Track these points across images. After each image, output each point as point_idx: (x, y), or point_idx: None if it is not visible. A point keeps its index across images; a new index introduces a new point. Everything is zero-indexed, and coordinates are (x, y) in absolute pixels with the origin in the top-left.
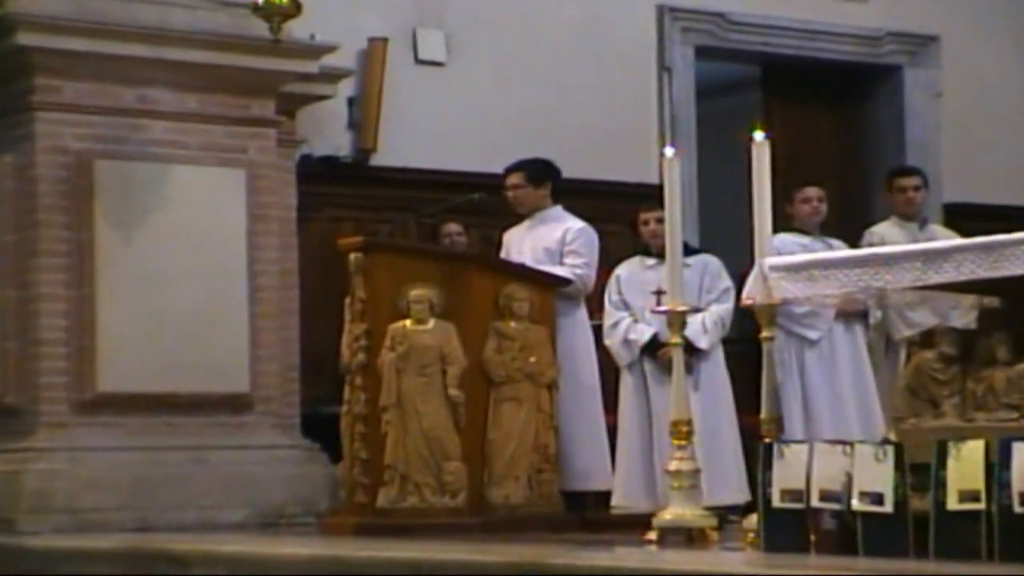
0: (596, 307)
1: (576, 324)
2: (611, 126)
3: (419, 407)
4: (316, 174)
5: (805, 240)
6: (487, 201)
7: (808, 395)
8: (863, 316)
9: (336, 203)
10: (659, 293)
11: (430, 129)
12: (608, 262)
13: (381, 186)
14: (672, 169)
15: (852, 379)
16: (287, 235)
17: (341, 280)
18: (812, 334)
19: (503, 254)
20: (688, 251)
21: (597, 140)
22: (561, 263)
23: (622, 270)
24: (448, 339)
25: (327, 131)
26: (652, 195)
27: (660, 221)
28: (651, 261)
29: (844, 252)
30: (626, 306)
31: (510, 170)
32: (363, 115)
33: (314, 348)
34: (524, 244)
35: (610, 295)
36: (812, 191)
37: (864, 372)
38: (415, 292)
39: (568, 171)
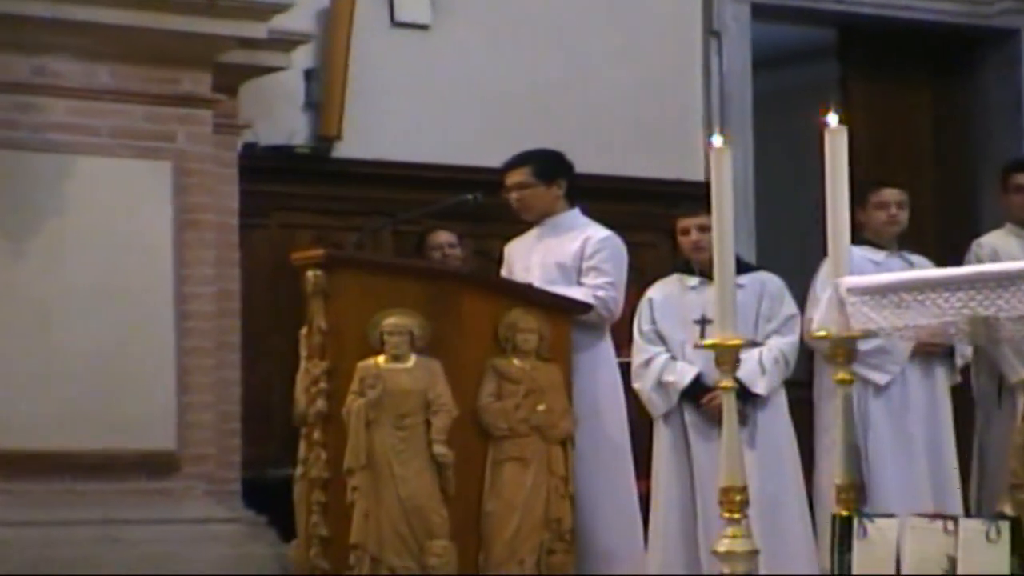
0: (624, 340)
1: (598, 362)
2: (643, 107)
3: (396, 469)
4: (264, 168)
5: (879, 256)
6: (484, 204)
7: (871, 453)
8: (947, 355)
9: (290, 206)
10: (704, 322)
11: (411, 111)
12: (639, 282)
13: (348, 184)
14: (721, 163)
15: (927, 436)
16: (226, 247)
17: (296, 305)
18: (880, 377)
19: (504, 272)
20: (742, 268)
21: (625, 126)
22: (579, 283)
23: (657, 292)
24: (433, 381)
25: (278, 113)
26: (696, 196)
27: (705, 229)
28: (694, 281)
29: (944, 271)
30: (662, 339)
31: (513, 164)
32: (325, 93)
33: (260, 393)
34: (532, 259)
35: (641, 324)
36: (890, 194)
37: (943, 428)
38: (391, 321)
39: (586, 165)
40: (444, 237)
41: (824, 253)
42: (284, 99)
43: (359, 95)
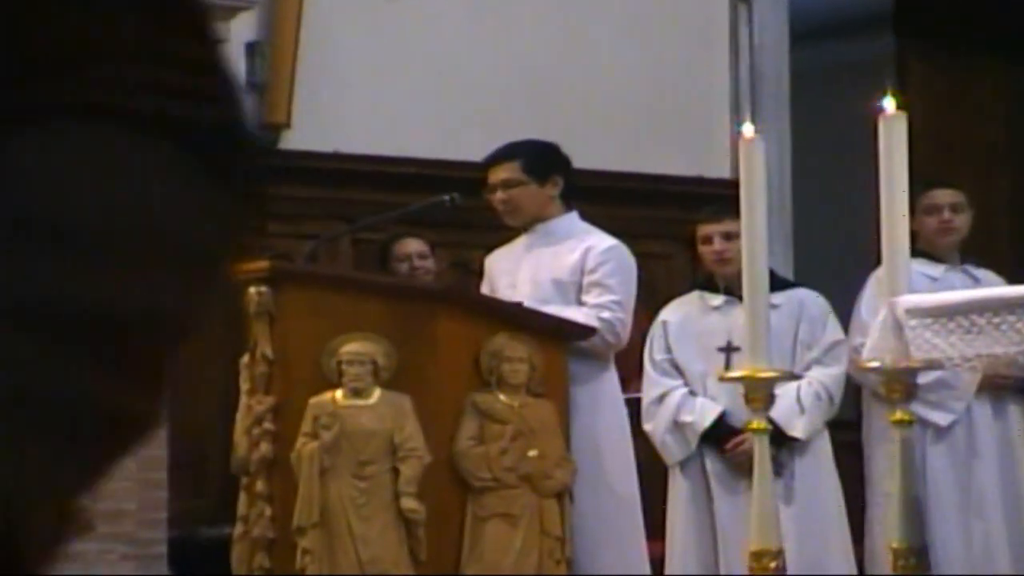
0: (632, 372)
1: (601, 398)
2: (656, 90)
3: (356, 527)
4: None
5: (936, 270)
6: (463, 207)
7: (933, 509)
8: (1021, 390)
9: None
10: (730, 350)
11: (375, 95)
12: (651, 301)
13: (298, 182)
14: (752, 156)
15: (1000, 487)
16: None
17: (235, 329)
18: (941, 417)
19: (486, 288)
20: (777, 284)
21: (634, 112)
22: (578, 302)
23: (673, 314)
24: (401, 421)
25: None
26: (720, 197)
27: (732, 237)
28: (717, 299)
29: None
30: (678, 370)
31: (498, 158)
32: (270, 71)
33: (191, 435)
34: (520, 273)
35: (653, 353)
36: (941, 195)
37: (1019, 477)
38: (351, 348)
39: (587, 160)
40: (414, 247)
41: (874, 265)
42: None
43: (312, 74)
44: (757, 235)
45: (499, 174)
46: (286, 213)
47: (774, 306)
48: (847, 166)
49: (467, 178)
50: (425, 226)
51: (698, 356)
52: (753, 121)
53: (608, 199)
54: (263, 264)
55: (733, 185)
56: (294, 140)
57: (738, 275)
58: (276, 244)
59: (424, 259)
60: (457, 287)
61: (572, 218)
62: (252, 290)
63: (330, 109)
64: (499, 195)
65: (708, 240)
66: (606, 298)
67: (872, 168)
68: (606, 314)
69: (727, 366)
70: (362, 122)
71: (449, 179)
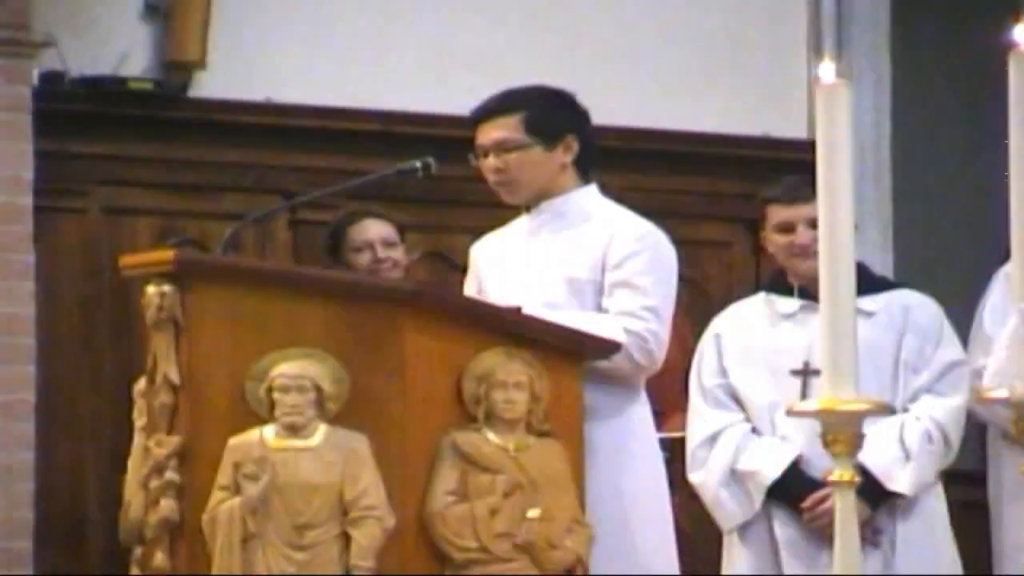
0: (673, 402)
1: (629, 438)
2: (704, 20)
3: None
4: (76, 115)
5: None
6: (440, 177)
7: None
8: None
9: (119, 177)
10: (808, 373)
11: (319, 24)
12: (699, 307)
13: (216, 142)
14: (834, 109)
15: None
16: (12, 245)
17: (127, 343)
18: None
19: (472, 287)
20: (871, 283)
21: (676, 50)
22: (599, 308)
23: (729, 324)
24: (354, 470)
25: (99, 24)
26: (798, 165)
27: (811, 224)
28: (791, 304)
29: None
30: (737, 401)
31: (491, 111)
32: None
33: (65, 490)
34: (521, 266)
35: (703, 377)
36: None
37: None
38: (286, 369)
39: (610, 114)
40: (376, 231)
41: (1003, 258)
42: (109, 4)
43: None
44: (840, 216)
45: (492, 133)
46: (199, 183)
47: (866, 313)
48: (967, 123)
49: (448, 137)
50: (390, 203)
51: (764, 381)
52: (837, 61)
53: (640, 167)
54: (166, 254)
55: (812, 148)
56: (210, 84)
57: (817, 273)
58: (185, 226)
59: (390, 248)
60: (432, 286)
61: (591, 193)
62: (151, 290)
63: (260, 43)
64: (491, 161)
65: (787, 227)
66: (636, 303)
67: (1001, 125)
68: (636, 324)
69: (804, 395)
70: (303, 61)
71: (423, 139)
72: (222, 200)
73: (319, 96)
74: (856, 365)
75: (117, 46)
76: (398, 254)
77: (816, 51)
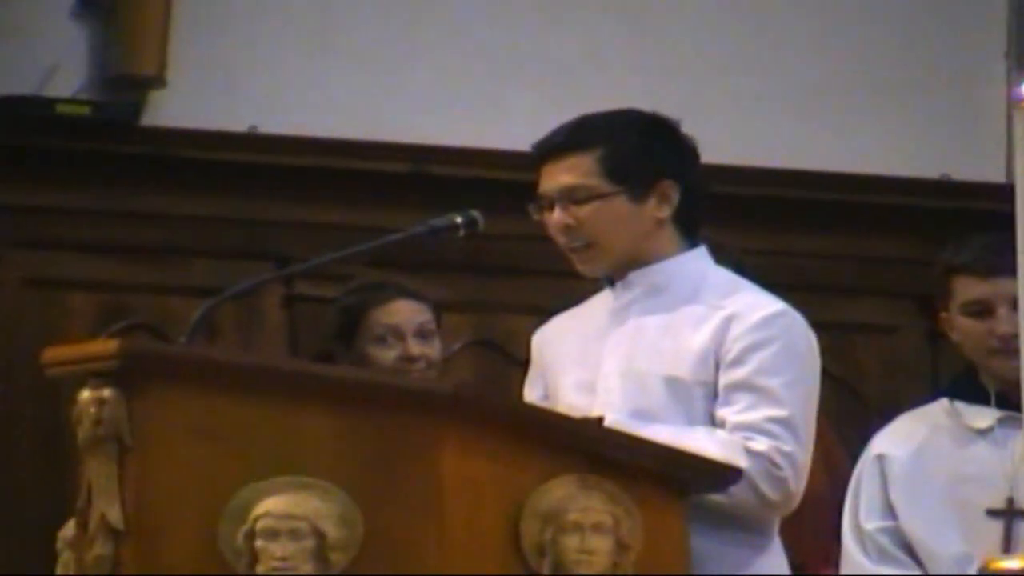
0: (818, 550)
1: None
2: (857, 25)
3: None
4: None
5: None
6: (492, 236)
7: None
8: None
9: (45, 234)
10: (1012, 513)
11: (323, 30)
12: (855, 417)
13: (178, 184)
14: None
15: None
16: None
17: (54, 465)
18: None
19: (535, 389)
20: None
21: (818, 65)
22: (711, 420)
23: (898, 443)
24: None
25: (18, 29)
26: (986, 221)
27: (1011, 304)
28: (986, 417)
29: None
30: (910, 551)
31: (557, 147)
32: None
33: None
34: (602, 361)
35: (861, 517)
36: None
37: None
38: (275, 505)
39: (727, 152)
40: (408, 315)
41: None
42: (37, 7)
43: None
44: None
45: (560, 176)
46: (156, 245)
47: None
48: None
49: (500, 181)
50: (421, 273)
51: (950, 525)
52: None
53: (768, 223)
54: (107, 345)
55: (1010, 195)
56: (172, 108)
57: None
58: (136, 304)
59: (426, 341)
60: (479, 389)
61: (698, 259)
62: (86, 395)
63: (241, 53)
64: (559, 216)
65: (982, 309)
66: (763, 413)
67: None
68: (762, 443)
69: (1007, 545)
70: (302, 79)
71: (465, 184)
72: (189, 268)
73: (322, 126)
74: None
75: (42, 56)
76: (434, 349)
77: (1020, 63)
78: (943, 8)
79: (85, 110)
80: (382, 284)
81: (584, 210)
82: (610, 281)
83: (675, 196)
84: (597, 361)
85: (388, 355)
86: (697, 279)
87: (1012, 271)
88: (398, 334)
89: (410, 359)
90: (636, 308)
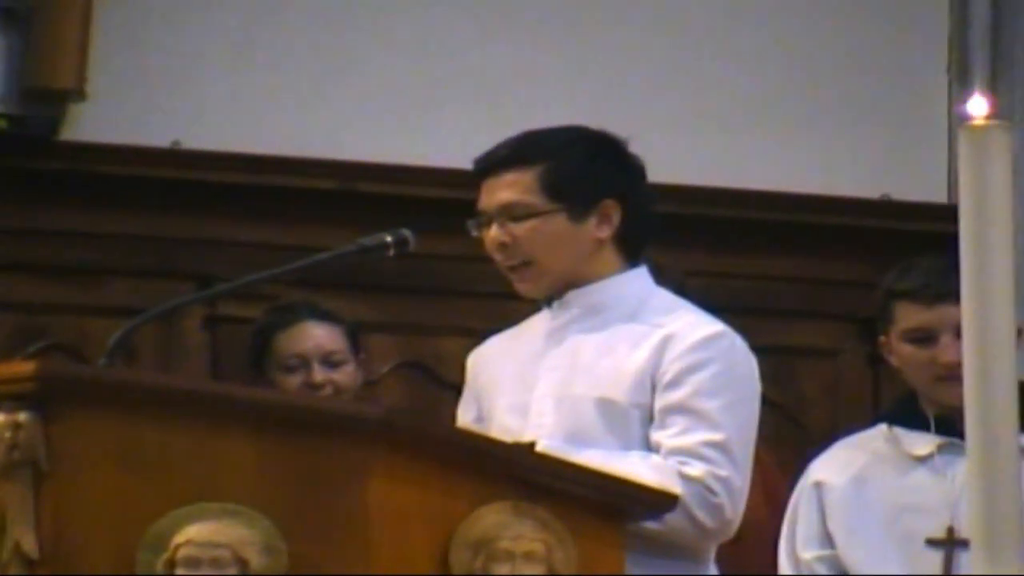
0: None
1: None
2: (800, 42)
3: None
4: None
5: None
6: (424, 256)
7: None
8: None
9: None
10: (953, 543)
11: (249, 41)
12: (793, 443)
13: (98, 202)
14: (987, 163)
15: None
16: None
17: None
18: None
19: (468, 412)
20: None
21: (761, 82)
22: (647, 444)
23: (837, 470)
24: None
25: None
26: (929, 244)
27: (955, 331)
28: (925, 444)
29: None
30: None
31: (497, 163)
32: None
33: None
34: (537, 384)
35: (798, 546)
36: None
37: None
38: (196, 532)
39: (669, 170)
40: (313, 340)
41: None
42: None
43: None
44: (995, 316)
45: (498, 193)
46: (73, 264)
47: None
48: None
49: (433, 199)
50: (350, 293)
51: (889, 553)
52: (991, 95)
53: (708, 243)
54: (22, 367)
55: (954, 216)
56: (92, 122)
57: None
58: (53, 325)
59: (333, 366)
60: (409, 413)
61: (638, 280)
62: (0, 418)
63: (164, 66)
64: (495, 233)
65: (925, 337)
66: (699, 437)
67: None
68: (698, 468)
69: (947, 574)
70: (226, 92)
71: (396, 201)
72: (108, 288)
73: (247, 141)
74: (1022, 532)
75: None
76: (343, 375)
77: (961, 81)
78: (884, 26)
79: (1, 124)
80: (291, 307)
81: (521, 228)
82: (547, 302)
83: (617, 216)
84: (532, 383)
85: (292, 381)
86: (637, 300)
87: (956, 297)
88: (303, 359)
89: (313, 386)
90: (573, 329)
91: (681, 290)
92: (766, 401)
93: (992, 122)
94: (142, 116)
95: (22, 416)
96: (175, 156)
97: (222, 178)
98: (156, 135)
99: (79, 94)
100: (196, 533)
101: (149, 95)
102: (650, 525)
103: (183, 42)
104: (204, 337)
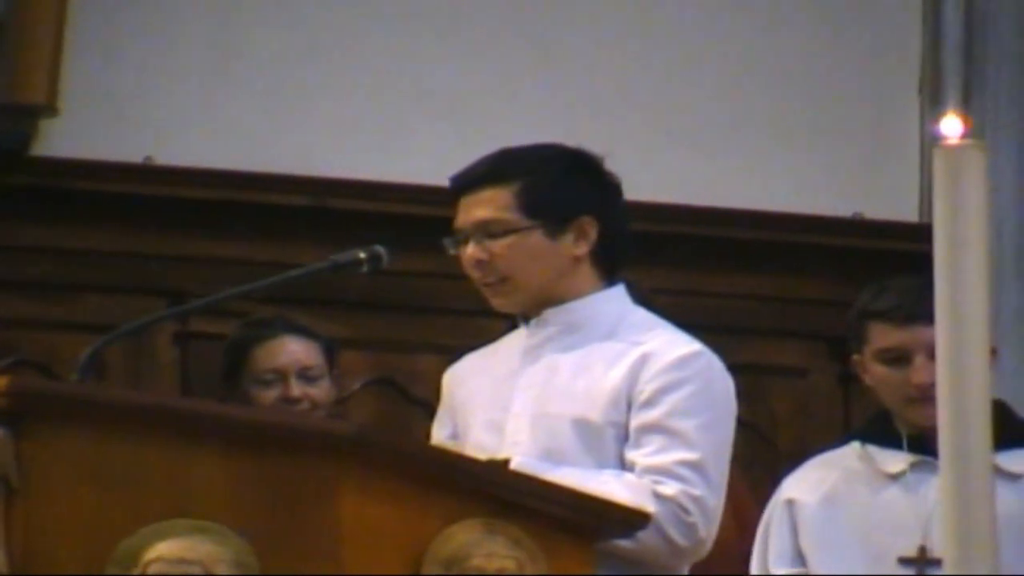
0: None
1: None
2: (772, 60)
3: None
4: None
5: None
6: (398, 273)
7: None
8: None
9: None
10: (925, 561)
11: (222, 58)
12: (766, 463)
13: (68, 217)
14: (960, 182)
15: None
16: None
17: None
18: None
19: (444, 430)
20: (1015, 433)
21: (733, 100)
22: (621, 463)
23: (808, 488)
24: None
25: None
26: (901, 263)
27: (928, 352)
28: (897, 462)
29: None
30: None
31: (473, 180)
32: (15, 11)
33: None
34: (512, 402)
35: (771, 563)
36: None
37: None
38: (166, 549)
39: (643, 188)
40: (291, 355)
41: None
42: None
43: (101, 19)
44: (969, 336)
45: (475, 210)
46: (44, 280)
47: (1010, 476)
48: None
49: (407, 216)
50: (323, 310)
51: (860, 571)
52: (964, 113)
53: (683, 262)
54: None
55: (927, 235)
56: (63, 138)
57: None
58: (23, 341)
59: (310, 381)
60: (381, 430)
61: (614, 298)
62: None
63: (136, 81)
64: (472, 250)
65: (898, 357)
66: (673, 456)
67: None
68: (672, 487)
69: None
70: (199, 108)
71: (370, 218)
72: (79, 304)
73: (219, 157)
74: (995, 551)
75: None
76: (319, 390)
77: (932, 100)
78: (855, 45)
79: None
80: (267, 321)
81: (498, 244)
82: (523, 319)
83: (593, 233)
84: (508, 401)
85: (269, 395)
86: (614, 318)
87: (930, 318)
88: (280, 374)
89: (290, 400)
90: (550, 347)
91: (648, 308)
92: (740, 421)
93: (967, 142)
94: (114, 132)
95: None
96: (147, 172)
97: (194, 194)
98: (128, 151)
99: (51, 109)
100: (167, 549)
101: (121, 111)
102: (623, 543)
103: (155, 58)
104: (175, 353)
